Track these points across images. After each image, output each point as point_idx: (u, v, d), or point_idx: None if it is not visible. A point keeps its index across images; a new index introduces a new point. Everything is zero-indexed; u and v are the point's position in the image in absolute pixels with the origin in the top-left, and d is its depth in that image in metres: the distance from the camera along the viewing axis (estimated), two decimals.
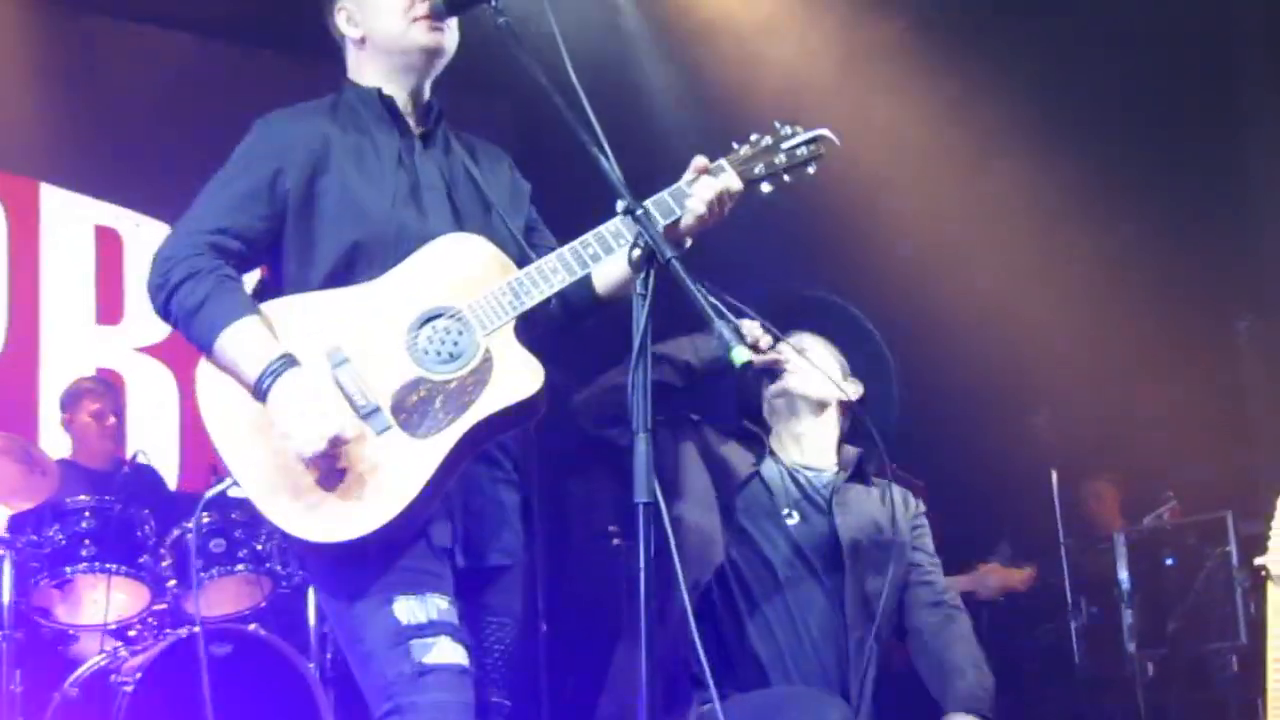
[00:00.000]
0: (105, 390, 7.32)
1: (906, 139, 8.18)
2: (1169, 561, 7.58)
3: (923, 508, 4.39)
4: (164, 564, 6.33)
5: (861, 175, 7.42)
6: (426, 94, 3.57)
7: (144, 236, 8.18)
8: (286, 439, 3.14)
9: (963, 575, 7.23)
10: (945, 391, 8.03)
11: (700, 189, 3.32)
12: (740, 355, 2.80)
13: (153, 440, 7.47)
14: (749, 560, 4.14)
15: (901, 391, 4.39)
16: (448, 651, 3.16)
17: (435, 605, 3.18)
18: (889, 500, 4.18)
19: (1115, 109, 8.08)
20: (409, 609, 3.15)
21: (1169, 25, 7.81)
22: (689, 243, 3.33)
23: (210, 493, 5.59)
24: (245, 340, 3.22)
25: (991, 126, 7.97)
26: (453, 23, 3.51)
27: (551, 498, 8.28)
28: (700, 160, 3.39)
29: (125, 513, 6.26)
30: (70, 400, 7.25)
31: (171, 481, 7.75)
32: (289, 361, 3.19)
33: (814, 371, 4.15)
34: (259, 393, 3.18)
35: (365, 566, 3.19)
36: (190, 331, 3.26)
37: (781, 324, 4.05)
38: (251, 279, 3.44)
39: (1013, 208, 8.02)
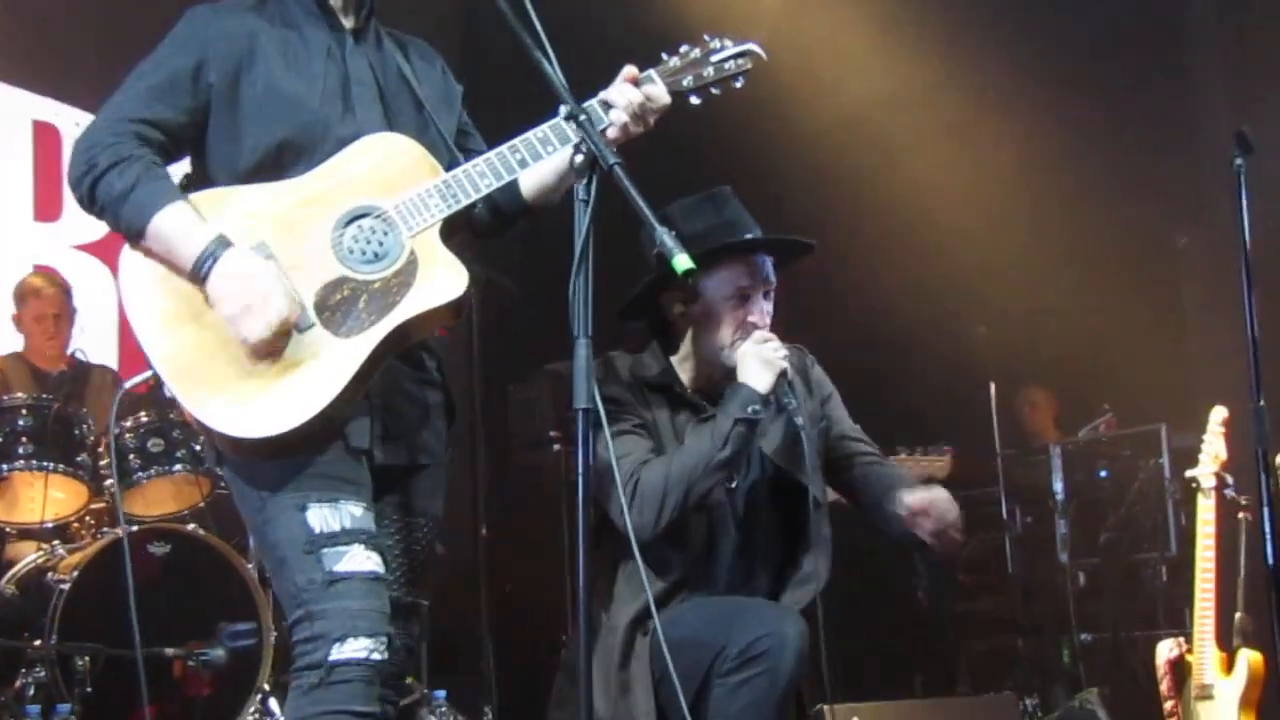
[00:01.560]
0: (54, 293, 7.20)
1: (856, 51, 8.17)
2: (1103, 473, 7.69)
3: (816, 367, 4.23)
4: (102, 463, 6.30)
5: (811, 89, 7.43)
6: None
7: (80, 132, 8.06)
8: (232, 323, 3.13)
9: None
10: (886, 305, 8.09)
11: (624, 96, 3.30)
12: (682, 263, 2.81)
13: (92, 338, 7.39)
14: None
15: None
16: (360, 559, 3.14)
17: (349, 513, 3.16)
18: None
19: (1058, 28, 8.08)
20: (322, 516, 3.14)
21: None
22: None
23: (129, 383, 5.62)
24: (180, 223, 3.19)
25: (938, 47, 7.97)
26: None
27: (492, 407, 8.29)
28: (629, 70, 3.36)
29: (64, 410, 6.23)
30: (18, 298, 7.18)
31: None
32: (224, 242, 3.16)
33: None
34: (198, 275, 3.15)
35: (281, 467, 3.18)
36: (119, 216, 3.21)
37: None
38: (177, 173, 3.40)
39: (952, 120, 8.03)
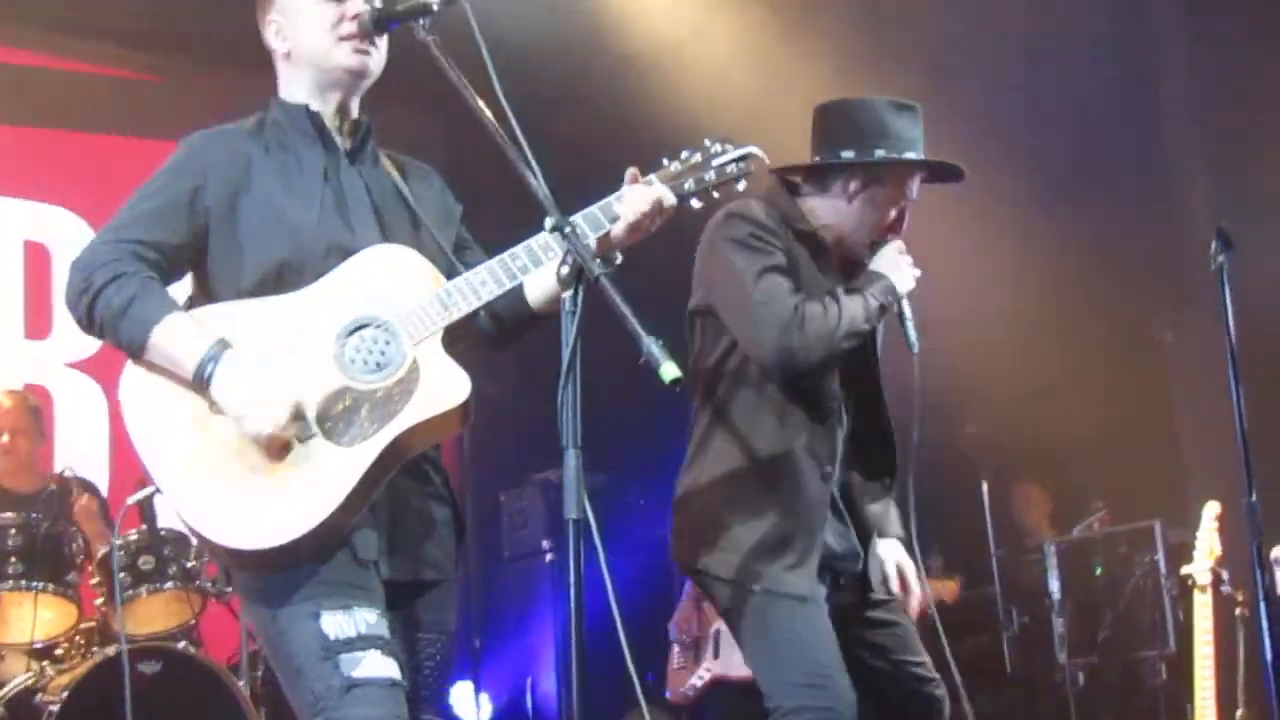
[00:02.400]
0: (12, 410, 7.08)
1: None
2: (1099, 570, 7.66)
3: None
4: (92, 581, 6.27)
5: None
6: (354, 110, 3.56)
7: (73, 252, 8.10)
8: (241, 421, 3.14)
9: None
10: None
11: (629, 202, 3.31)
12: (669, 373, 2.81)
13: (83, 456, 7.38)
14: None
15: None
16: (377, 665, 3.13)
17: (363, 619, 3.16)
18: None
19: (1043, 128, 8.16)
20: (336, 623, 3.13)
21: (1097, 44, 7.93)
22: (619, 257, 3.32)
23: (132, 499, 5.61)
24: (180, 331, 3.21)
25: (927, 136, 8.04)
26: (382, 42, 3.50)
27: (484, 513, 8.28)
28: (632, 171, 3.39)
29: (52, 529, 6.20)
30: None
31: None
32: (225, 344, 3.19)
33: None
34: (202, 378, 3.17)
35: (289, 579, 3.17)
36: (119, 331, 3.23)
37: None
38: (180, 294, 3.43)
39: (941, 221, 8.07)
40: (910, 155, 4.22)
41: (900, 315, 4.21)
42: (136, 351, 3.24)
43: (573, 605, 2.90)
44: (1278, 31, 7.33)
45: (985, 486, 7.67)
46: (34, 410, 7.12)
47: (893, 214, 4.23)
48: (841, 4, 8.27)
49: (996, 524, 7.72)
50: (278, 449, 3.16)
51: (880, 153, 4.14)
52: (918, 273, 4.22)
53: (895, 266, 4.19)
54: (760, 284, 3.98)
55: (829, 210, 4.21)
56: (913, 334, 4.24)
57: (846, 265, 4.24)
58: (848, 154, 4.17)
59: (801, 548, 4.03)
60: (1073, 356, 8.02)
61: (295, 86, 3.54)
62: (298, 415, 3.15)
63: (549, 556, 7.79)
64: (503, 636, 8.08)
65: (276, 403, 3.13)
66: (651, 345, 2.84)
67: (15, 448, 6.92)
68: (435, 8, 3.29)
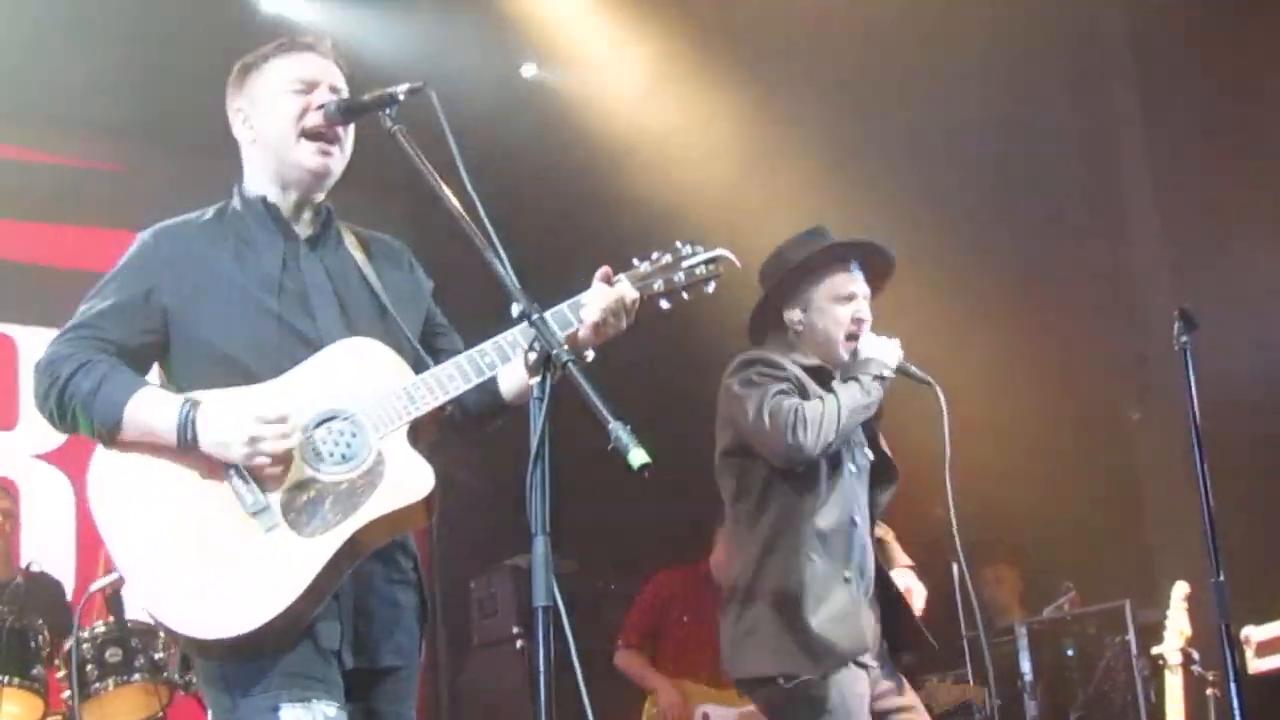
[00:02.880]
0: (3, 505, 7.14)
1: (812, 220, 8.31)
2: (1070, 651, 7.64)
3: None
4: (59, 674, 6.21)
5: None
6: (318, 199, 3.57)
7: (39, 342, 8.08)
8: (227, 449, 3.17)
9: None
10: None
11: (595, 299, 3.33)
12: (636, 459, 2.81)
13: (49, 548, 7.32)
14: None
15: None
16: None
17: (322, 712, 3.15)
18: None
19: (1011, 216, 8.24)
20: (295, 717, 3.12)
21: (1058, 138, 8.03)
22: (590, 354, 3.33)
23: (95, 585, 5.57)
24: (153, 400, 3.24)
25: (891, 229, 8.11)
26: (347, 136, 3.52)
27: (453, 600, 8.23)
28: (604, 270, 3.41)
29: (18, 622, 6.15)
30: None
31: (68, 591, 7.60)
32: (193, 401, 3.22)
33: None
34: (183, 428, 3.18)
35: (250, 668, 3.16)
36: (92, 414, 3.24)
37: None
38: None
39: (907, 307, 8.12)
40: (796, 258, 4.80)
41: (911, 376, 4.81)
42: (111, 431, 3.25)
43: (542, 692, 2.88)
44: (1235, 120, 7.43)
45: (955, 568, 7.65)
46: (12, 497, 7.13)
47: (845, 311, 4.78)
48: (818, 99, 8.35)
49: (965, 606, 7.70)
50: (280, 469, 3.19)
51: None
52: (897, 341, 4.77)
53: (875, 347, 4.73)
54: (767, 404, 4.54)
55: (807, 344, 4.79)
56: (923, 375, 4.85)
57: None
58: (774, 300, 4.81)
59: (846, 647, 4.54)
60: (1040, 437, 8.04)
61: (258, 175, 3.56)
62: (287, 427, 3.18)
63: (519, 643, 7.74)
64: None
65: (274, 423, 3.16)
66: (620, 431, 2.84)
67: (8, 537, 6.95)
68: (401, 97, 3.31)
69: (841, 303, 4.78)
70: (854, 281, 4.81)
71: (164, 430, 3.21)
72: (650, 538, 9.07)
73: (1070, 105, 8.24)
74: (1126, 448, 8.18)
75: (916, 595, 5.03)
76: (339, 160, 3.51)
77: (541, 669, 2.88)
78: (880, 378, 4.69)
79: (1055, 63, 8.29)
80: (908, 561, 5.10)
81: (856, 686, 4.53)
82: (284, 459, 3.21)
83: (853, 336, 4.77)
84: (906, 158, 8.15)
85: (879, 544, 4.99)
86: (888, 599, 4.82)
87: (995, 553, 8.42)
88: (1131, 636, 7.17)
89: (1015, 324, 8.02)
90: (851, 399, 4.61)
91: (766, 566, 4.61)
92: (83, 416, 3.26)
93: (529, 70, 9.16)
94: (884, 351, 4.74)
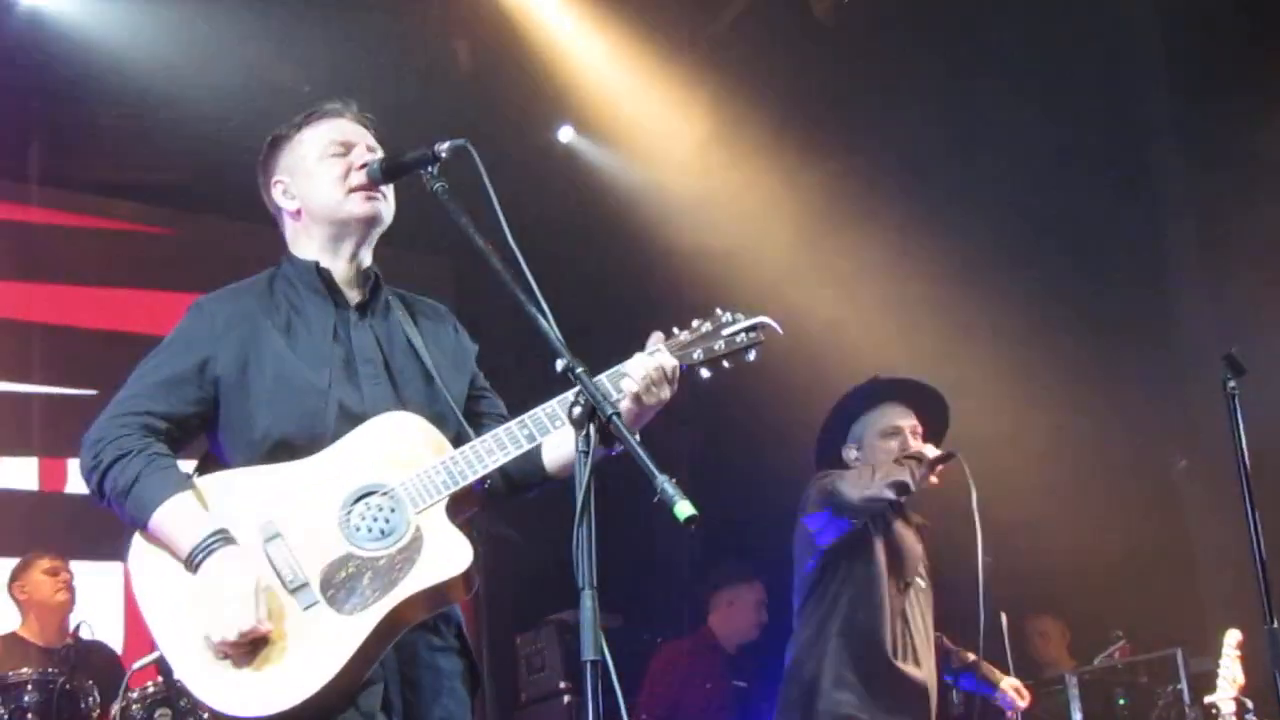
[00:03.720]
0: (64, 577, 7.21)
1: (851, 285, 8.32)
2: (1121, 701, 7.57)
3: None
4: None
5: (815, 322, 7.55)
6: (366, 261, 3.59)
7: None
8: (208, 620, 3.15)
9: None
10: None
11: (636, 368, 3.32)
12: (683, 511, 2.80)
13: (98, 617, 7.34)
14: None
15: None
16: None
17: None
18: None
19: (1048, 258, 8.22)
20: None
21: (1100, 184, 8.01)
22: (636, 435, 3.28)
23: (139, 664, 5.60)
24: (179, 516, 3.24)
25: (930, 275, 8.12)
26: (389, 191, 3.55)
27: (500, 656, 8.22)
28: (656, 334, 3.40)
29: (69, 684, 6.18)
30: (22, 566, 7.16)
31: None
32: (223, 539, 3.21)
33: None
34: (191, 567, 3.19)
35: None
36: (124, 510, 3.27)
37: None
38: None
39: (952, 354, 8.11)
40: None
41: (944, 460, 5.36)
42: (141, 528, 3.28)
43: None
44: (1275, 151, 7.40)
45: (1004, 618, 7.59)
46: (69, 575, 7.20)
47: (894, 444, 5.39)
48: (866, 163, 8.38)
49: (1015, 656, 7.64)
50: (233, 652, 3.15)
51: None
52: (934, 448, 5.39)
53: (917, 445, 5.38)
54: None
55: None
56: (965, 466, 5.35)
57: None
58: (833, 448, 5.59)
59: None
60: (1087, 485, 7.99)
61: (305, 243, 3.58)
62: (249, 636, 3.13)
63: (566, 699, 7.71)
64: None
65: (236, 619, 3.12)
66: (665, 484, 2.83)
67: (63, 606, 6.98)
68: (443, 155, 3.33)
69: (889, 437, 5.33)
70: (901, 416, 5.35)
71: (179, 554, 3.23)
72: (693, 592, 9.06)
73: (1108, 135, 8.19)
74: (1175, 495, 8.11)
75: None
76: (387, 207, 3.54)
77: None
78: (916, 460, 5.22)
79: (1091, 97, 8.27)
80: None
81: None
82: (327, 538, 3.22)
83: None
84: (952, 213, 8.16)
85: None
86: None
87: (1041, 604, 8.37)
88: (1184, 685, 7.09)
89: (1060, 374, 7.98)
90: (885, 471, 5.17)
91: None
92: (117, 507, 3.30)
93: (566, 134, 9.20)
94: (925, 449, 5.26)
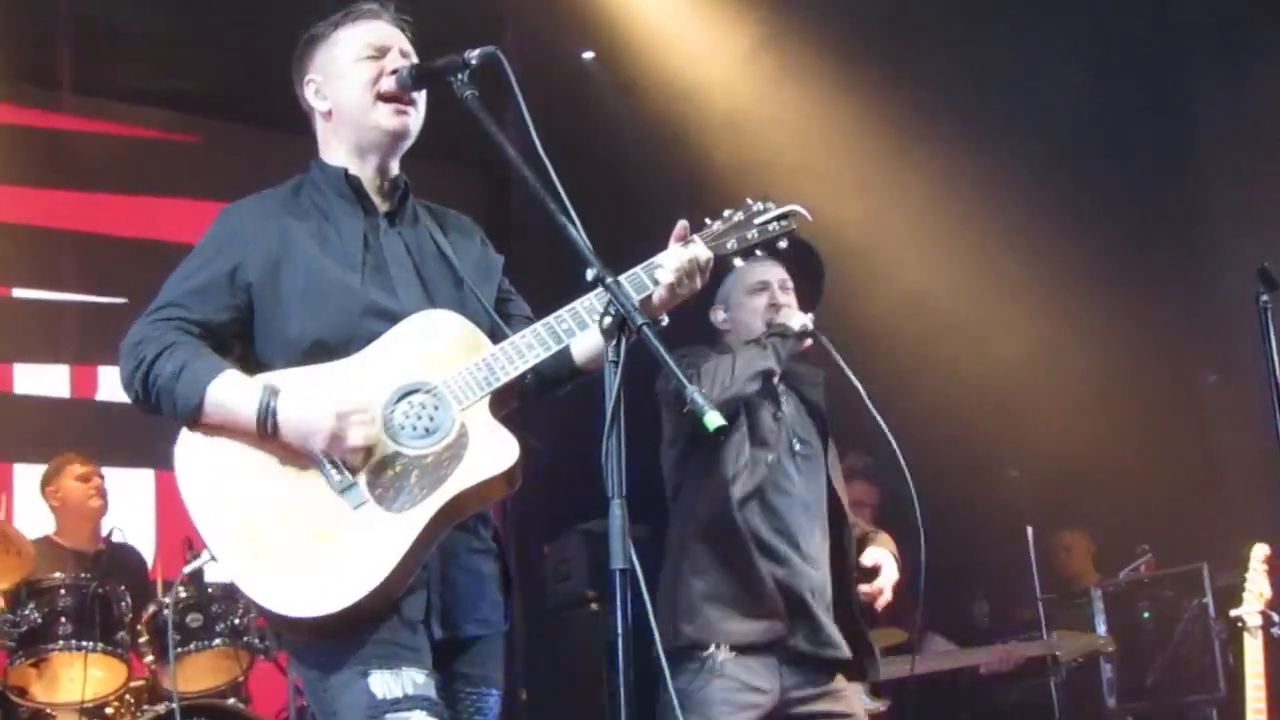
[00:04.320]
0: (96, 480, 7.25)
1: (890, 201, 8.29)
2: (1146, 615, 7.58)
3: None
4: (141, 640, 6.30)
5: (848, 235, 7.52)
6: (394, 170, 3.60)
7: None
8: (309, 440, 3.19)
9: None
10: (921, 449, 8.06)
11: (670, 260, 3.34)
12: (713, 421, 2.81)
13: (129, 523, 7.41)
14: None
15: None
16: None
17: (411, 679, 3.17)
18: None
19: (1084, 177, 8.16)
20: (384, 683, 3.15)
21: (1136, 99, 7.94)
22: (664, 319, 3.34)
23: (188, 568, 5.64)
24: (236, 383, 3.26)
25: (966, 193, 8.08)
26: (420, 100, 3.54)
27: (528, 565, 8.27)
28: (682, 224, 3.42)
29: (101, 589, 6.24)
30: (54, 469, 7.21)
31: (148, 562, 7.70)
32: (272, 389, 3.24)
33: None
34: (264, 414, 3.20)
35: (340, 640, 3.19)
36: (175, 396, 3.26)
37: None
38: None
39: (977, 271, 8.09)
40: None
41: (818, 340, 4.81)
42: (193, 414, 3.27)
43: (620, 655, 2.90)
44: None
45: (1030, 532, 7.62)
46: (101, 481, 7.24)
47: (762, 301, 4.92)
48: (892, 71, 8.30)
49: (1041, 570, 7.67)
50: (362, 459, 3.21)
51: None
52: (810, 316, 4.86)
53: (785, 315, 4.84)
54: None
55: (735, 344, 4.86)
56: (825, 339, 4.80)
57: None
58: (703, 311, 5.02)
59: None
60: (1115, 399, 7.98)
61: (334, 147, 3.58)
62: (367, 416, 3.20)
63: (593, 606, 7.77)
64: (549, 689, 8.05)
65: (354, 415, 3.18)
66: (695, 394, 2.84)
67: (96, 511, 7.04)
68: (473, 62, 3.32)
69: (756, 293, 4.93)
70: (769, 269, 4.89)
71: (244, 417, 3.23)
72: None
73: (1144, 63, 8.11)
74: (1205, 409, 8.10)
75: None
76: (416, 119, 3.54)
77: (619, 632, 2.88)
78: (780, 336, 4.75)
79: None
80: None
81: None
82: (366, 448, 3.23)
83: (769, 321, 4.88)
84: (993, 132, 8.11)
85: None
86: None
87: (1067, 518, 8.38)
88: (1209, 599, 7.10)
89: (1089, 288, 7.96)
90: (748, 359, 4.68)
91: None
92: (166, 399, 3.28)
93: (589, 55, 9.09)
94: (791, 318, 4.82)
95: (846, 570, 4.92)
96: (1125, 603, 7.63)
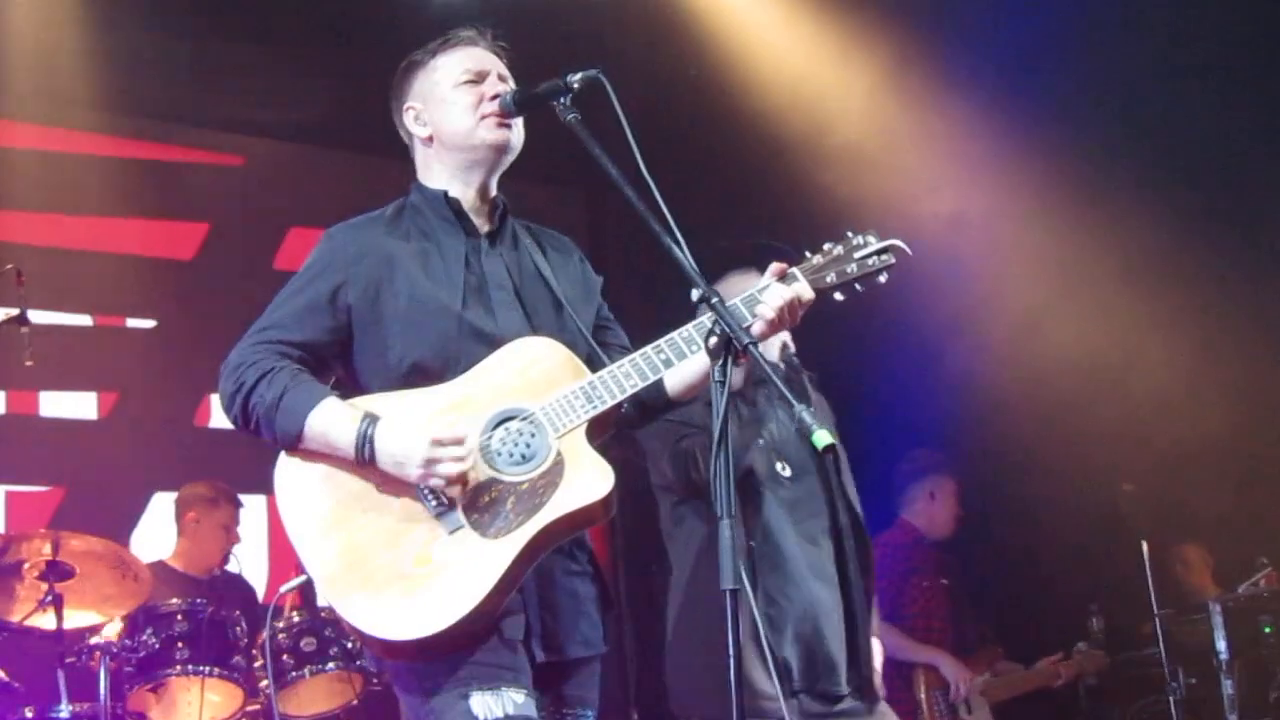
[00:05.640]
0: (231, 509, 7.30)
1: (1006, 210, 8.22)
2: (1267, 629, 7.45)
3: None
4: (256, 664, 6.36)
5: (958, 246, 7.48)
6: (493, 190, 3.62)
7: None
8: (404, 469, 3.21)
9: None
10: (1037, 465, 7.99)
11: (771, 297, 3.32)
12: (822, 439, 2.80)
13: (243, 552, 7.47)
14: None
15: None
16: None
17: (511, 699, 3.19)
18: None
19: (1189, 181, 8.04)
20: (484, 704, 3.17)
21: (1230, 116, 7.82)
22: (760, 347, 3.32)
23: (285, 588, 5.70)
24: (334, 412, 3.29)
25: (1076, 196, 7.99)
26: (519, 120, 3.56)
27: (638, 586, 8.27)
28: (777, 265, 3.40)
29: (217, 614, 6.31)
30: (202, 503, 7.26)
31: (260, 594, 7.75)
32: (372, 418, 3.26)
33: None
34: (362, 444, 3.23)
35: (440, 662, 3.21)
36: (274, 423, 3.31)
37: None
38: None
39: (1099, 280, 7.99)
40: None
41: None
42: (291, 442, 3.31)
43: (732, 674, 2.88)
44: None
45: (1145, 546, 7.51)
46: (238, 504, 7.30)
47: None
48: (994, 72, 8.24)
49: (1157, 584, 7.55)
50: (458, 489, 3.23)
51: None
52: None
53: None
54: None
55: None
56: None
57: None
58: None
59: None
60: (1231, 409, 7.85)
61: (436, 171, 3.61)
62: (463, 450, 3.21)
63: None
64: (664, 714, 8.05)
65: (450, 444, 3.20)
66: (804, 413, 2.84)
67: (229, 540, 7.13)
68: (575, 86, 3.33)
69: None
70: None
71: (343, 446, 3.27)
72: None
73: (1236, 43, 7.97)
74: None
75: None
76: (518, 135, 3.57)
77: (731, 652, 2.88)
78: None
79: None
80: None
81: None
82: (461, 479, 3.25)
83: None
84: (1083, 119, 8.01)
85: None
86: None
87: (1184, 532, 8.26)
88: None
89: (1204, 289, 7.83)
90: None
91: None
92: (265, 425, 3.33)
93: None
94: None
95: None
96: (1246, 616, 7.49)
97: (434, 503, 3.24)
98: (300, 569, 3.34)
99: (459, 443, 3.22)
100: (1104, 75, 7.97)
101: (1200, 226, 7.80)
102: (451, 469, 3.21)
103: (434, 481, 3.22)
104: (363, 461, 3.24)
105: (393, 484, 3.28)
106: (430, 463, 3.19)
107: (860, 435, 5.32)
